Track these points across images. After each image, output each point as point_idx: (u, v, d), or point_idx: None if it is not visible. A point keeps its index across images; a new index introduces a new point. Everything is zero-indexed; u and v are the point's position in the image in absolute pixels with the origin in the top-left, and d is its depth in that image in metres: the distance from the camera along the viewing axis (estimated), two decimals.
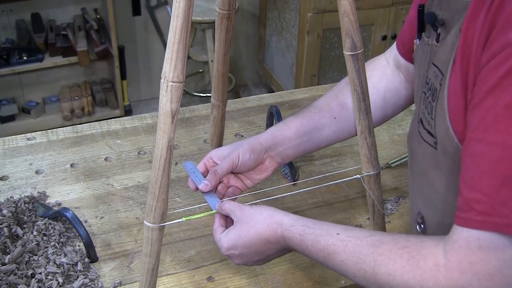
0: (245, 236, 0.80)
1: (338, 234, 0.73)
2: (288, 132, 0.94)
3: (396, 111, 1.02)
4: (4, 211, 1.03)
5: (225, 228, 0.85)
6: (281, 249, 0.81)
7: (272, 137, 0.94)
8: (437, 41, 0.77)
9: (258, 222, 0.79)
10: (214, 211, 0.88)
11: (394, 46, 1.01)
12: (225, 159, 0.90)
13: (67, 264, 0.95)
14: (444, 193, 0.76)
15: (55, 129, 1.35)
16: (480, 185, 0.60)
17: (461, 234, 0.62)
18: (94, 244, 1.00)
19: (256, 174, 0.94)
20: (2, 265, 0.92)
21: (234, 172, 0.92)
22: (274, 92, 2.35)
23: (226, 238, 0.82)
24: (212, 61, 3.03)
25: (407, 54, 0.96)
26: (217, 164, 0.92)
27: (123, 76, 3.20)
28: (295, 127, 0.95)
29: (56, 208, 1.08)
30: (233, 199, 0.91)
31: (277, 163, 0.95)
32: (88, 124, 1.38)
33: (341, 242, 0.72)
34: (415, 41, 0.86)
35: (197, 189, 0.90)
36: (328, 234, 0.74)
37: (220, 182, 0.92)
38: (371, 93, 0.97)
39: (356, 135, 1.00)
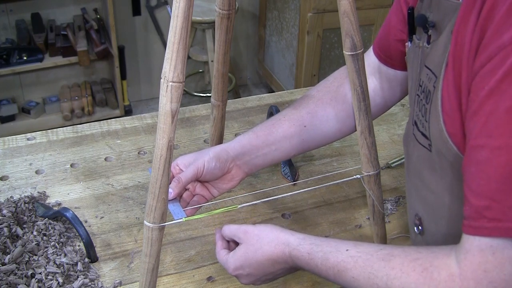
0: (252, 258, 0.79)
1: (347, 250, 0.72)
2: (256, 141, 0.92)
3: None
4: (4, 211, 1.03)
5: (227, 250, 0.84)
6: (289, 268, 0.80)
7: (239, 146, 0.92)
8: (428, 43, 0.76)
9: (264, 244, 0.79)
10: (216, 211, 0.87)
11: (369, 53, 0.99)
12: (190, 167, 0.88)
13: (67, 264, 0.95)
14: (440, 195, 0.76)
15: (55, 129, 1.35)
16: (488, 191, 0.60)
17: (473, 243, 0.61)
18: (94, 244, 1.00)
19: (223, 183, 0.92)
20: (2, 265, 0.92)
21: (200, 180, 0.90)
22: (274, 92, 2.35)
23: (232, 260, 0.81)
24: (212, 61, 3.03)
25: (387, 59, 0.95)
26: (183, 171, 0.89)
27: (123, 76, 3.20)
28: (263, 136, 0.93)
29: (56, 208, 1.08)
30: (197, 209, 0.89)
31: (244, 173, 0.93)
32: (88, 124, 1.38)
33: (351, 258, 0.71)
34: (406, 43, 0.85)
35: None
36: (337, 251, 0.73)
37: (186, 190, 0.90)
38: (345, 101, 0.95)
39: (328, 143, 0.99)
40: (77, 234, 1.01)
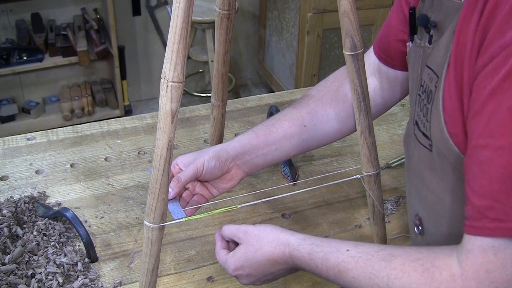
0: (252, 258, 0.79)
1: (348, 250, 0.72)
2: (256, 141, 0.92)
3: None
4: (4, 211, 1.03)
5: (227, 250, 0.84)
6: (289, 269, 0.80)
7: (239, 146, 0.92)
8: (430, 42, 0.76)
9: (264, 244, 0.79)
10: (216, 211, 0.87)
11: (369, 53, 0.99)
12: (190, 166, 0.88)
13: (67, 264, 0.95)
14: (440, 195, 0.76)
15: (55, 129, 1.35)
16: (490, 191, 0.59)
17: (475, 243, 0.61)
18: (94, 244, 1.00)
19: (222, 183, 0.92)
20: (2, 265, 0.92)
21: (199, 180, 0.90)
22: (274, 92, 2.35)
23: (232, 260, 0.81)
24: (212, 61, 3.03)
25: (388, 59, 0.95)
26: (183, 170, 0.89)
27: (123, 76, 3.20)
28: (263, 136, 0.93)
29: (56, 208, 1.08)
30: (196, 209, 0.89)
31: (244, 173, 0.93)
32: (88, 124, 1.38)
33: (352, 259, 0.71)
34: (408, 43, 0.85)
35: None
36: (337, 251, 0.73)
37: (185, 189, 0.90)
38: (345, 101, 0.95)
39: (328, 143, 0.99)
40: (77, 234, 1.01)
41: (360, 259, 0.70)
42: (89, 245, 0.98)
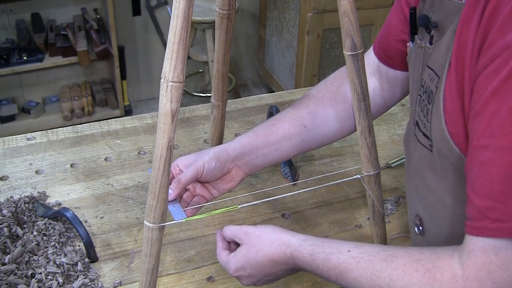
0: (253, 259, 0.79)
1: (349, 251, 0.72)
2: (256, 141, 0.92)
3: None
4: (4, 211, 1.03)
5: (229, 251, 0.84)
6: (290, 269, 0.80)
7: (239, 146, 0.92)
8: (430, 43, 0.76)
9: (266, 245, 0.79)
10: (216, 211, 0.87)
11: (369, 53, 0.99)
12: (190, 167, 0.88)
13: (67, 264, 0.95)
14: (441, 195, 0.76)
15: (55, 129, 1.35)
16: (491, 192, 0.59)
17: (476, 243, 0.61)
18: (94, 244, 1.00)
19: (223, 184, 0.92)
20: (2, 265, 0.92)
21: (200, 181, 0.90)
22: (274, 92, 2.35)
23: (233, 261, 0.81)
24: (212, 61, 3.03)
25: (388, 59, 0.95)
26: (183, 172, 0.89)
27: (123, 76, 3.20)
28: (263, 136, 0.93)
29: (56, 208, 1.08)
30: (197, 209, 0.89)
31: (244, 173, 0.93)
32: (88, 124, 1.38)
33: (353, 259, 0.71)
34: (408, 43, 0.85)
35: None
36: (339, 252, 0.73)
37: (186, 190, 0.90)
38: (345, 101, 0.95)
39: (328, 144, 0.99)
40: (77, 234, 1.01)
41: (362, 260, 0.70)
42: (89, 245, 0.98)
